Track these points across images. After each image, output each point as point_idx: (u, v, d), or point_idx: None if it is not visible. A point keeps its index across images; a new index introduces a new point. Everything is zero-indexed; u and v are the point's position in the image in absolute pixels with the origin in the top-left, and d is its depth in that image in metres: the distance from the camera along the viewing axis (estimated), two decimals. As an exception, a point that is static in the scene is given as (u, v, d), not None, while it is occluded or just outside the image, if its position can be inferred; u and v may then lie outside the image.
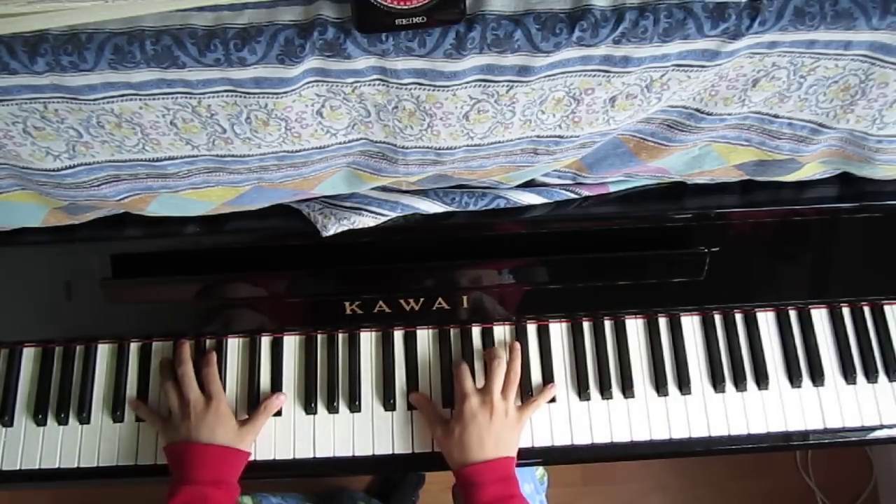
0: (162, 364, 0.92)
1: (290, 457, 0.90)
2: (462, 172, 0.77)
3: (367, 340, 0.95)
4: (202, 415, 0.85)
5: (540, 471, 1.05)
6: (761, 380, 0.92)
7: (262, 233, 0.88)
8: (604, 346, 0.94)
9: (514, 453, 0.85)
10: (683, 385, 0.92)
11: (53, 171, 0.68)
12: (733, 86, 0.66)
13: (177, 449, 0.84)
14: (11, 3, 0.52)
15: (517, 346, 0.92)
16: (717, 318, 0.95)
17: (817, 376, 0.93)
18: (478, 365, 0.93)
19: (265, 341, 0.94)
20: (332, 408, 0.92)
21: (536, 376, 0.93)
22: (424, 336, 0.95)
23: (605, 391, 0.92)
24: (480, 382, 0.91)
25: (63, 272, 0.89)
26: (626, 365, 0.93)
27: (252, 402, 0.91)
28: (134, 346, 0.94)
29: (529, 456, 0.91)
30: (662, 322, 0.95)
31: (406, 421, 0.91)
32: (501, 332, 0.94)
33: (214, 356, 0.91)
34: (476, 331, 0.95)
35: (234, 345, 0.94)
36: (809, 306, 0.95)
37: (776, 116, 0.71)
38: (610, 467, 1.64)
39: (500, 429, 0.84)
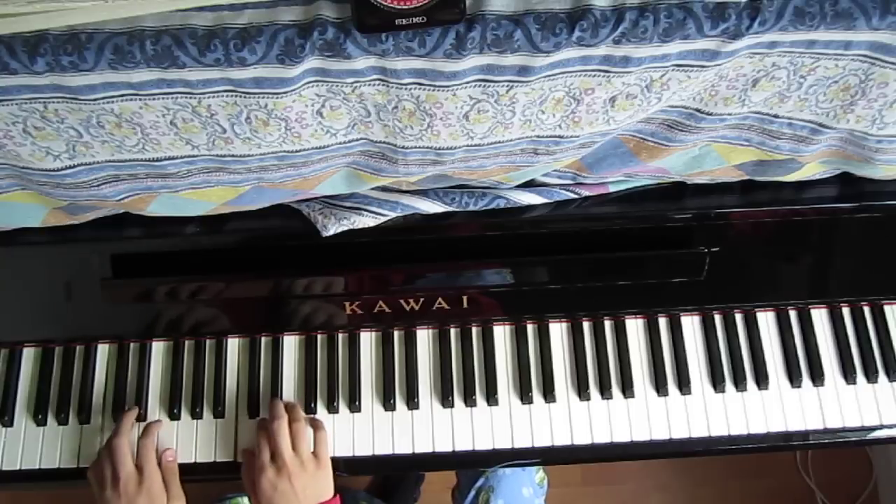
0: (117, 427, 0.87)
1: (290, 457, 0.90)
2: (462, 172, 0.77)
3: (367, 340, 0.95)
4: (133, 496, 0.81)
5: (539, 474, 1.05)
6: (761, 380, 0.92)
7: (262, 233, 0.88)
8: (604, 346, 0.94)
9: (330, 493, 0.84)
10: (683, 385, 0.92)
11: (53, 171, 0.68)
12: (733, 86, 0.66)
13: None
14: (11, 3, 0.52)
15: (279, 403, 0.88)
16: (717, 318, 0.95)
17: (817, 376, 0.93)
18: (477, 370, 0.93)
19: (265, 341, 0.94)
20: (331, 408, 0.92)
21: (536, 376, 0.93)
22: (424, 336, 0.95)
23: (605, 391, 0.92)
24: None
25: (63, 272, 0.89)
26: (626, 365, 0.93)
27: (252, 403, 0.91)
28: (134, 346, 0.94)
29: (529, 456, 0.91)
30: (662, 322, 0.95)
31: (406, 421, 0.91)
32: (501, 331, 0.94)
33: (156, 427, 0.88)
34: (476, 331, 0.95)
35: (233, 345, 0.94)
36: (809, 306, 0.95)
37: (776, 116, 0.71)
38: (610, 467, 1.64)
39: (305, 485, 0.82)
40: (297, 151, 0.69)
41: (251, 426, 0.91)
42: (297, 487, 0.81)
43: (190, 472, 0.89)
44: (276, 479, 0.81)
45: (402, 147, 0.69)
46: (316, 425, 0.88)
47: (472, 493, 1.02)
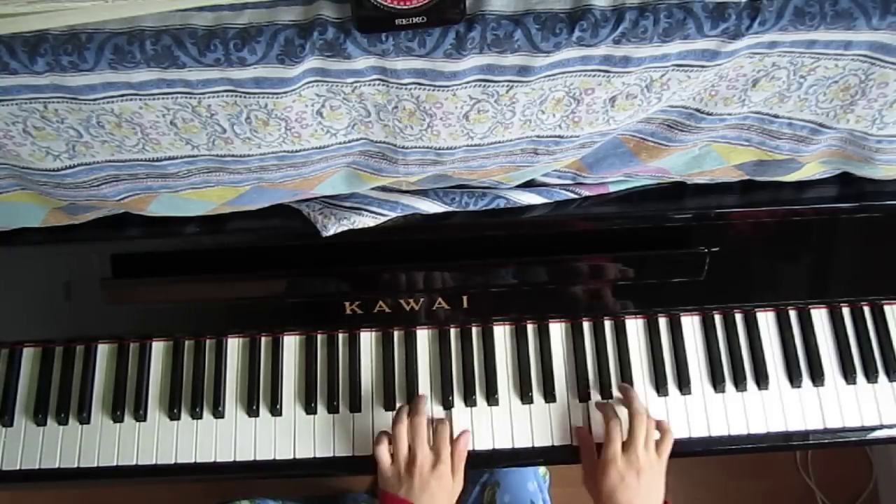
0: (399, 410, 0.88)
1: (291, 457, 0.90)
2: (462, 172, 0.77)
3: (367, 340, 0.95)
4: (427, 477, 0.82)
5: (542, 468, 1.06)
6: (761, 380, 0.92)
7: (262, 233, 0.88)
8: (604, 346, 0.94)
9: (661, 499, 0.84)
10: (683, 385, 0.92)
11: (53, 171, 0.68)
12: (733, 86, 0.66)
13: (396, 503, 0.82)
14: (11, 3, 0.52)
15: (633, 392, 0.89)
16: (717, 318, 0.95)
17: (817, 376, 0.93)
18: (477, 370, 0.93)
19: (265, 341, 0.94)
20: (332, 408, 0.92)
21: (536, 376, 0.93)
22: (424, 336, 0.95)
23: (604, 391, 0.92)
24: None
25: (63, 272, 0.89)
26: (625, 365, 0.93)
27: (252, 403, 0.91)
28: (134, 346, 0.94)
29: (530, 456, 0.91)
30: (662, 322, 0.95)
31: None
32: (501, 331, 0.94)
33: (447, 421, 0.88)
34: (476, 331, 0.95)
35: (233, 345, 0.94)
36: (809, 306, 0.95)
37: (776, 116, 0.71)
38: (610, 467, 1.64)
39: (650, 482, 0.83)
40: (297, 151, 0.69)
41: (249, 426, 0.91)
42: (642, 484, 0.82)
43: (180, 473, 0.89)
44: (625, 471, 0.82)
45: (402, 147, 0.69)
46: (665, 428, 0.88)
47: (477, 488, 1.02)
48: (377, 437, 0.86)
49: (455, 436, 0.89)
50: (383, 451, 0.84)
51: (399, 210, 0.85)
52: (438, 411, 0.92)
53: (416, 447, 0.83)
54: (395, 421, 0.86)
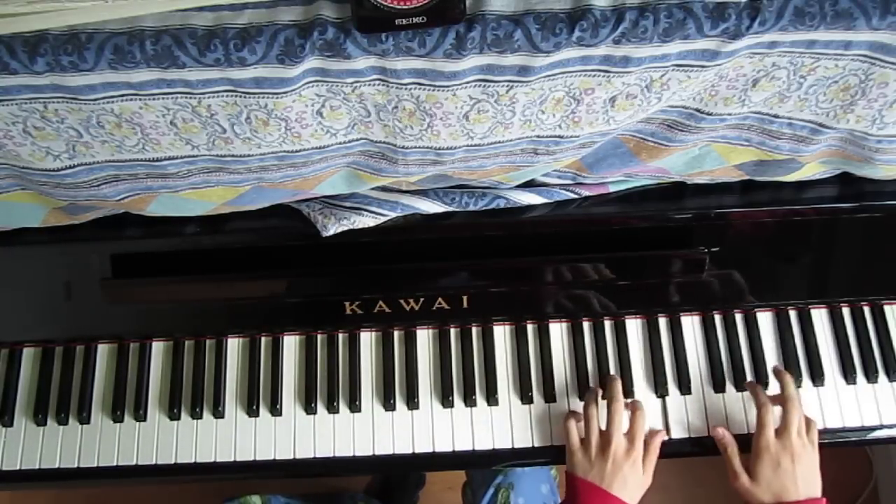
0: (591, 391, 0.89)
1: (291, 457, 0.90)
2: (462, 172, 0.77)
3: (367, 340, 0.95)
4: (620, 462, 0.81)
5: (553, 470, 1.06)
6: (761, 380, 0.92)
7: (262, 233, 0.88)
8: (604, 347, 0.94)
9: (818, 491, 0.83)
10: (683, 385, 0.92)
11: (53, 171, 0.68)
12: (733, 86, 0.66)
13: (587, 487, 0.82)
14: (11, 3, 0.52)
15: (787, 377, 0.88)
16: (717, 318, 0.95)
17: (817, 376, 0.93)
18: (477, 370, 0.93)
19: (265, 341, 0.94)
20: (332, 408, 0.92)
21: (536, 376, 0.93)
22: (424, 336, 0.95)
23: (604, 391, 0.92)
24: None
25: (63, 272, 0.89)
26: (625, 365, 0.93)
27: (252, 403, 0.91)
28: (134, 346, 0.94)
29: (531, 456, 0.91)
30: (662, 322, 0.95)
31: (406, 421, 0.91)
32: (501, 331, 0.94)
33: (643, 409, 0.87)
34: (476, 331, 0.95)
35: (233, 345, 0.94)
36: (809, 306, 0.95)
37: (776, 116, 0.71)
38: (610, 467, 1.63)
39: (806, 469, 0.82)
40: (297, 151, 0.69)
41: (249, 426, 0.91)
42: (798, 471, 0.81)
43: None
44: (780, 457, 0.81)
45: (402, 147, 0.69)
46: (810, 419, 0.86)
47: (491, 489, 1.02)
48: (566, 416, 0.87)
49: (650, 432, 0.87)
50: (573, 431, 0.84)
51: (399, 210, 0.85)
52: (438, 410, 0.92)
53: (611, 431, 0.83)
54: (587, 402, 0.85)
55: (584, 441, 0.84)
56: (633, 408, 0.87)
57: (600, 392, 0.88)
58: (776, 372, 0.92)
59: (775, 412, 0.85)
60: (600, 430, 0.85)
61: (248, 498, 0.96)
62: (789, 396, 0.85)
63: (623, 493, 0.80)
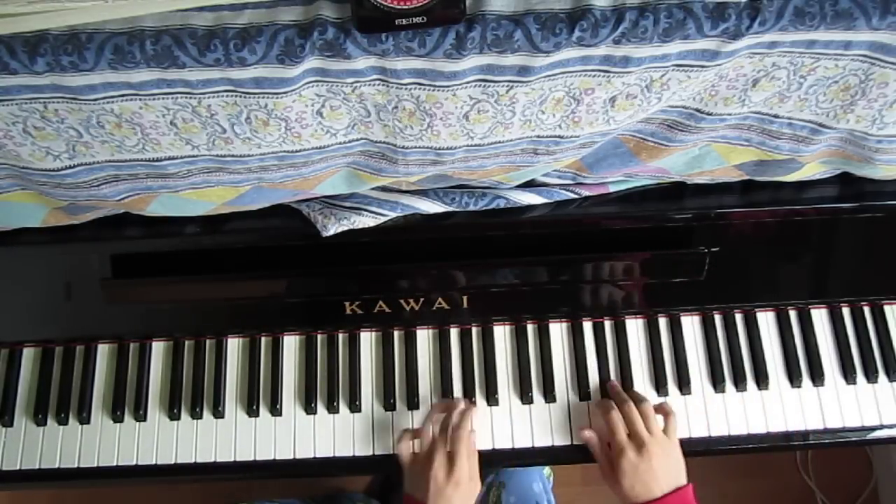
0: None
1: (291, 457, 0.90)
2: (462, 172, 0.77)
3: (367, 340, 0.95)
4: (443, 485, 0.81)
5: (546, 469, 1.05)
6: (761, 380, 0.92)
7: (262, 233, 0.88)
8: (604, 346, 0.94)
9: (684, 479, 0.85)
10: (683, 385, 0.92)
11: (53, 171, 0.68)
12: (733, 86, 0.66)
13: None
14: (11, 3, 0.52)
15: (617, 386, 0.92)
16: (717, 318, 0.95)
17: (817, 376, 0.93)
18: (477, 370, 0.93)
19: (265, 341, 0.94)
20: (332, 408, 0.92)
21: (536, 376, 0.93)
22: (424, 336, 0.95)
23: (605, 391, 0.92)
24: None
25: (63, 272, 0.89)
26: (625, 365, 0.93)
27: (252, 403, 0.91)
28: (134, 346, 0.94)
29: (531, 456, 0.91)
30: (662, 322, 0.95)
31: (406, 421, 0.91)
32: (501, 331, 0.94)
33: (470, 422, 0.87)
34: (476, 331, 0.95)
35: (233, 345, 0.94)
36: (809, 306, 0.95)
37: (776, 116, 0.71)
38: (610, 467, 1.63)
39: (664, 463, 0.83)
40: (297, 151, 0.69)
41: (249, 426, 0.91)
42: (656, 466, 0.82)
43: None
44: (636, 459, 0.83)
45: (402, 147, 0.69)
46: (666, 410, 0.88)
47: (483, 488, 1.02)
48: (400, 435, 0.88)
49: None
50: (405, 449, 0.86)
51: (399, 210, 0.85)
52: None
53: (453, 456, 0.83)
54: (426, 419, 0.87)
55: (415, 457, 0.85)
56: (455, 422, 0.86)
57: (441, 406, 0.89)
58: (608, 387, 0.92)
59: (630, 415, 0.86)
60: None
61: None
62: (621, 400, 0.87)
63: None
